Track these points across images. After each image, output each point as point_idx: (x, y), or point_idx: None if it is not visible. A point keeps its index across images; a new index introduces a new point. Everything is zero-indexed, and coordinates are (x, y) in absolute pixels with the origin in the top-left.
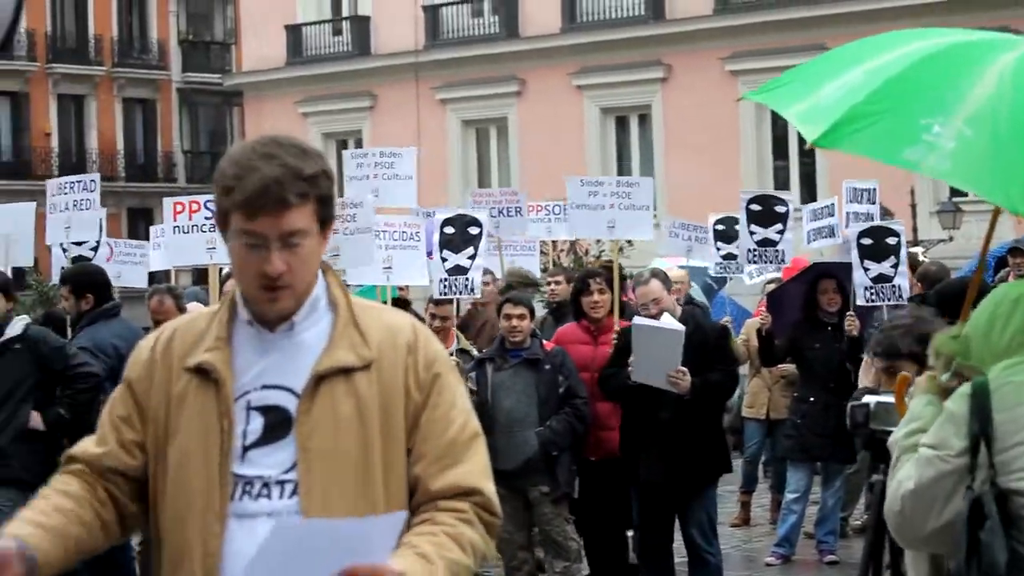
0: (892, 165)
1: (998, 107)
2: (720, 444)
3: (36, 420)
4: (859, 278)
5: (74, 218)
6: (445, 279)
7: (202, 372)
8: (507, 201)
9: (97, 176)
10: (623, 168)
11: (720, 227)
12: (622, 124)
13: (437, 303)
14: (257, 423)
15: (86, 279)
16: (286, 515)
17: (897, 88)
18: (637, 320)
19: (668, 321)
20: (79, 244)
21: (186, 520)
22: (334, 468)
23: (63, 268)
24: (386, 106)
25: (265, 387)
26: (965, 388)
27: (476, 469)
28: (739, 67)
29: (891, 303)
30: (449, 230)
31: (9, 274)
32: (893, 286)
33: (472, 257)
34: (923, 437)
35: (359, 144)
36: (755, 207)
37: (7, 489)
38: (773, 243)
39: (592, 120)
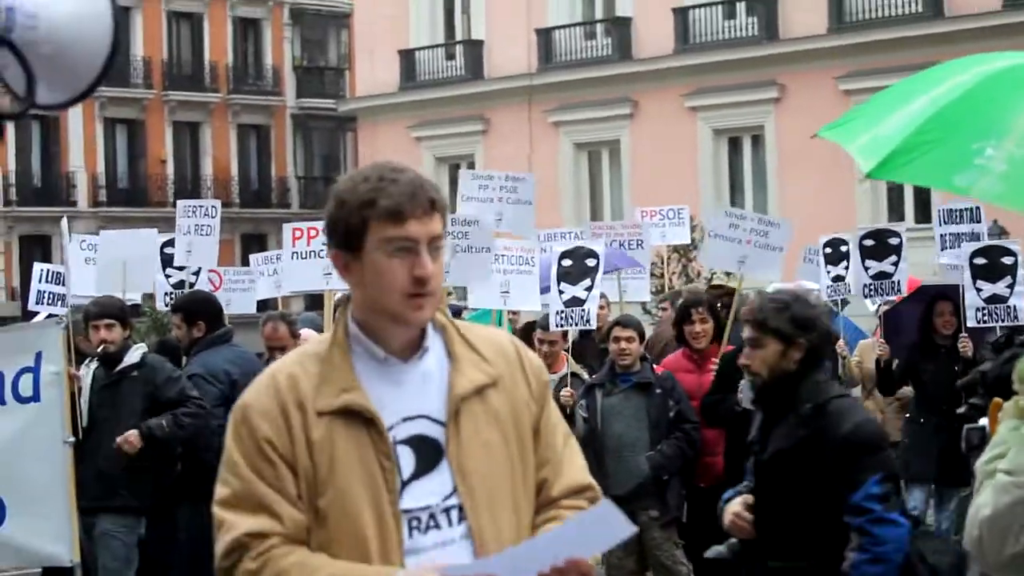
0: (946, 191)
1: None
2: None
3: (132, 435)
4: (971, 299)
5: (195, 243)
6: (562, 311)
7: (349, 414)
8: (629, 234)
9: (218, 203)
10: (736, 189)
11: (828, 250)
12: (735, 145)
13: (545, 329)
14: (408, 457)
15: (198, 307)
16: (459, 541)
17: (950, 115)
18: None
19: None
20: (180, 269)
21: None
22: (492, 487)
23: (166, 294)
24: (499, 130)
25: (406, 419)
26: None
27: (581, 466)
28: (853, 86)
29: (1005, 324)
30: (567, 262)
31: (129, 300)
32: (1008, 307)
33: (589, 288)
34: (1001, 463)
35: (471, 168)
36: (868, 242)
37: (120, 516)
38: (888, 275)
39: (705, 141)
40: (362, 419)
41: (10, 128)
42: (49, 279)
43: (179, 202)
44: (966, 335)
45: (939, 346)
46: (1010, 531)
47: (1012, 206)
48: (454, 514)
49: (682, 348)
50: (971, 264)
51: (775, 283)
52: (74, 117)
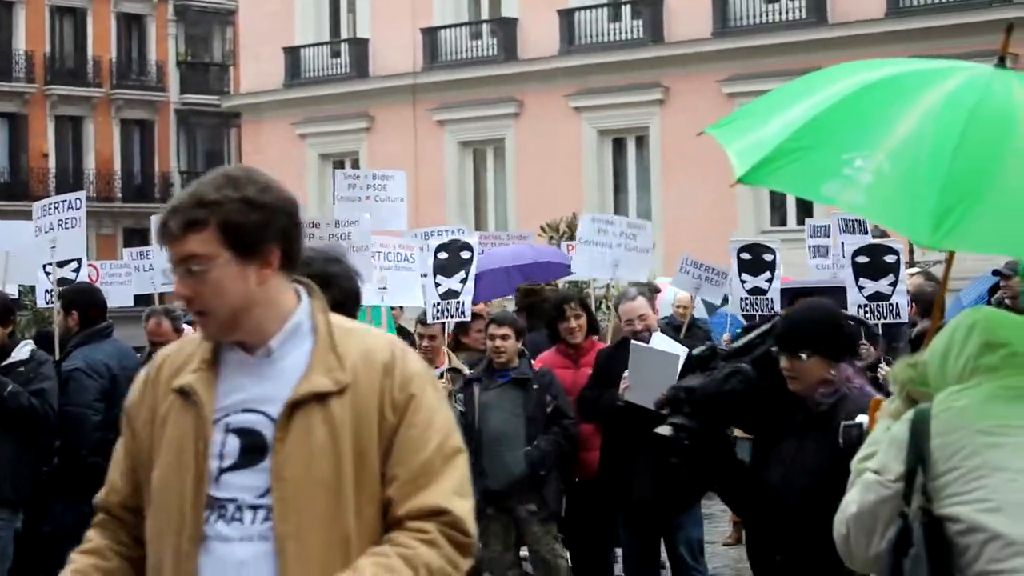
0: (812, 199)
1: (920, 142)
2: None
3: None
4: (853, 296)
5: (60, 237)
6: (438, 303)
7: (184, 394)
8: (514, 243)
9: (83, 195)
10: (620, 190)
11: (746, 256)
12: (619, 146)
13: (424, 324)
14: (234, 445)
15: (74, 297)
16: (257, 541)
17: (825, 123)
18: (635, 343)
19: (666, 344)
20: (62, 265)
21: (163, 538)
22: (308, 495)
23: (47, 291)
24: (383, 127)
25: (245, 410)
26: (909, 413)
27: (447, 488)
28: (737, 89)
29: (887, 321)
30: (443, 255)
31: (12, 291)
32: (890, 304)
33: (464, 281)
34: (870, 462)
35: (355, 165)
36: (745, 256)
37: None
38: (763, 291)
39: (589, 142)
40: (192, 401)
41: None
42: None
43: (35, 204)
44: (867, 342)
45: None
46: (875, 529)
47: (874, 218)
48: (260, 513)
49: (557, 344)
50: (854, 263)
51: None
52: None
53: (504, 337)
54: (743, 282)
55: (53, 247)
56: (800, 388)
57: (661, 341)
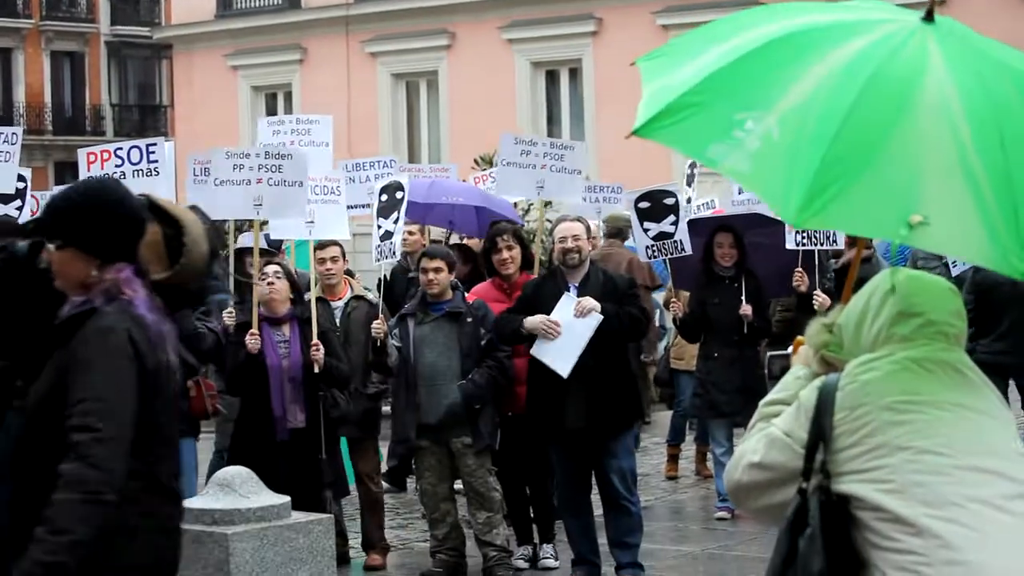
0: (699, 161)
1: (810, 107)
2: (635, 390)
3: None
4: (639, 238)
5: None
6: (379, 245)
7: None
8: (436, 176)
9: (19, 130)
10: (553, 122)
11: (645, 204)
12: (553, 78)
13: (320, 247)
14: None
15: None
16: None
17: (726, 77)
18: (566, 297)
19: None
20: (6, 202)
21: None
22: None
23: None
24: (316, 60)
25: None
26: (817, 382)
27: None
28: (671, 21)
29: (823, 247)
30: (384, 197)
31: None
32: (675, 241)
33: (396, 221)
34: (778, 420)
35: (288, 97)
36: (644, 204)
37: None
38: (670, 235)
39: (522, 74)
40: None
41: None
42: None
43: None
44: (801, 270)
45: (721, 278)
46: (771, 485)
47: (751, 189)
48: None
49: (491, 278)
50: (636, 208)
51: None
52: None
53: (437, 270)
54: (646, 230)
55: None
56: (61, 286)
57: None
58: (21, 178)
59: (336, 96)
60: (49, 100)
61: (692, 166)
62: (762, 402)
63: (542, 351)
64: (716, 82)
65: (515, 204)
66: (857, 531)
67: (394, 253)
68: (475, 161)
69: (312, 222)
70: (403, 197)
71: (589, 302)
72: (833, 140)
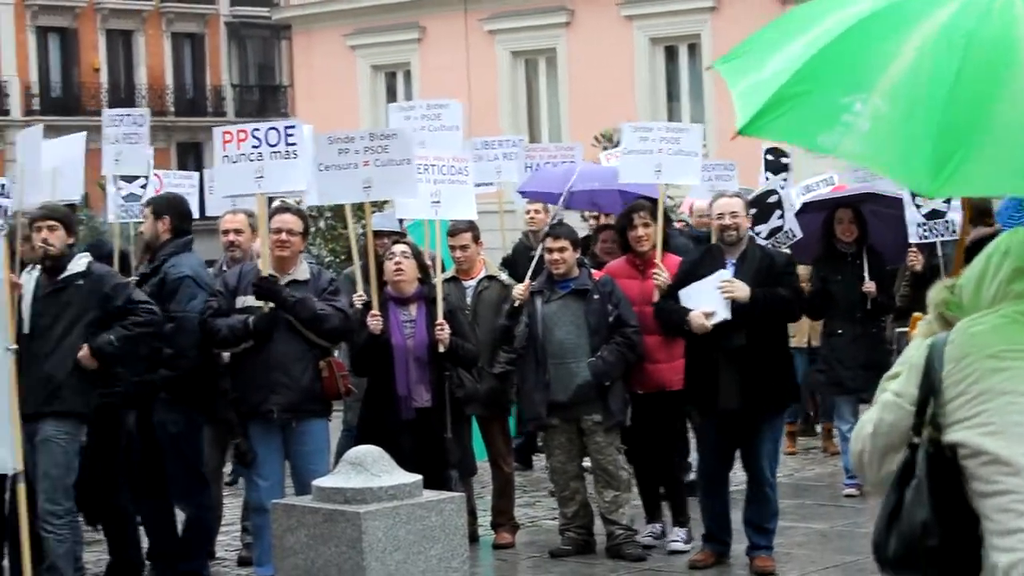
0: (812, 150)
1: (916, 79)
2: (790, 371)
3: (84, 353)
4: (911, 215)
5: (124, 151)
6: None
7: None
8: (562, 156)
9: (147, 112)
10: (673, 98)
11: (753, 210)
12: (671, 54)
13: (452, 235)
14: None
15: (167, 204)
16: None
17: (823, 63)
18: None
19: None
20: (130, 181)
21: None
22: None
23: (119, 206)
24: (435, 38)
25: None
26: (928, 339)
27: None
28: None
29: (944, 238)
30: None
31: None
32: (946, 222)
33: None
34: (892, 383)
35: (407, 77)
36: (752, 211)
37: (63, 421)
38: (780, 228)
39: (641, 51)
40: None
41: None
42: None
43: (105, 112)
44: (915, 249)
45: (843, 255)
46: (888, 450)
47: (873, 168)
48: None
49: (626, 254)
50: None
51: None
52: (6, 25)
53: (561, 249)
54: (757, 233)
55: (117, 160)
56: None
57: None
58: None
59: (455, 75)
60: (170, 82)
61: (771, 152)
62: (884, 376)
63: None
64: (813, 70)
65: None
66: (966, 483)
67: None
68: (595, 138)
69: (439, 202)
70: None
71: (738, 290)
72: (946, 106)
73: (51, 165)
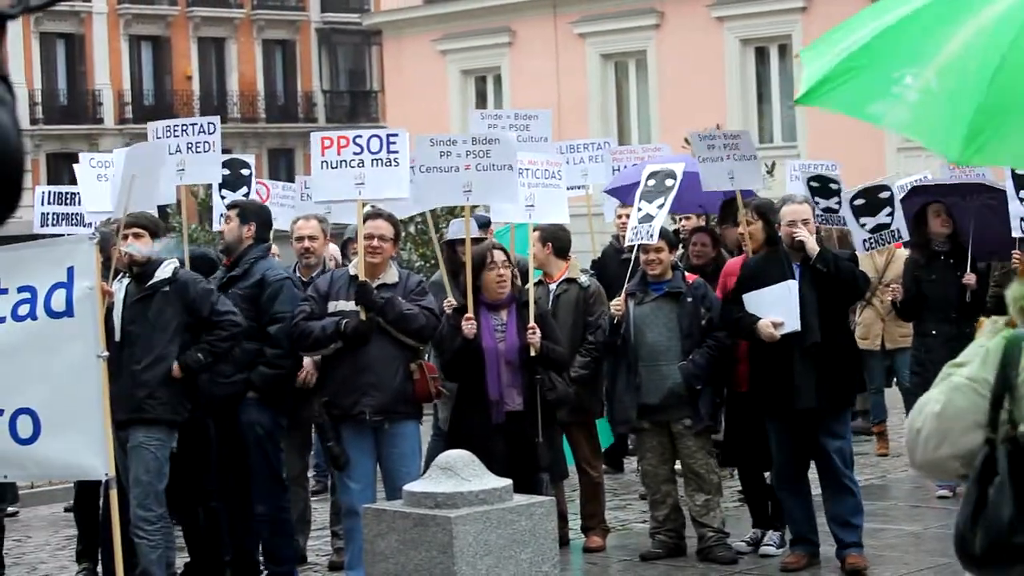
0: (860, 119)
1: (968, 57)
2: (858, 365)
3: (175, 369)
4: (1015, 208)
5: (188, 160)
6: (636, 227)
7: None
8: (649, 157)
9: (217, 119)
10: (763, 99)
11: (860, 201)
12: (762, 56)
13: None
14: None
15: (255, 209)
16: None
17: (882, 43)
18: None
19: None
20: (234, 190)
21: None
22: None
23: (221, 215)
24: (524, 42)
25: None
26: (1006, 331)
27: None
28: None
29: (890, 243)
30: (652, 182)
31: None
32: (892, 231)
33: (661, 207)
34: (962, 370)
35: (497, 81)
36: (859, 202)
37: (153, 428)
38: (887, 226)
39: (731, 52)
40: None
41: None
42: (52, 200)
43: (150, 124)
44: (1020, 252)
45: (937, 254)
46: (952, 432)
47: (913, 135)
48: None
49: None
50: (852, 206)
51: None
52: (99, 35)
53: (658, 250)
54: (862, 225)
55: (182, 170)
56: None
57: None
58: (246, 164)
59: (545, 79)
60: (262, 88)
61: (816, 179)
62: (948, 363)
63: (763, 312)
64: (874, 47)
65: None
66: None
67: (651, 236)
68: (685, 140)
69: (532, 206)
70: (673, 185)
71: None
72: (990, 83)
73: (131, 173)
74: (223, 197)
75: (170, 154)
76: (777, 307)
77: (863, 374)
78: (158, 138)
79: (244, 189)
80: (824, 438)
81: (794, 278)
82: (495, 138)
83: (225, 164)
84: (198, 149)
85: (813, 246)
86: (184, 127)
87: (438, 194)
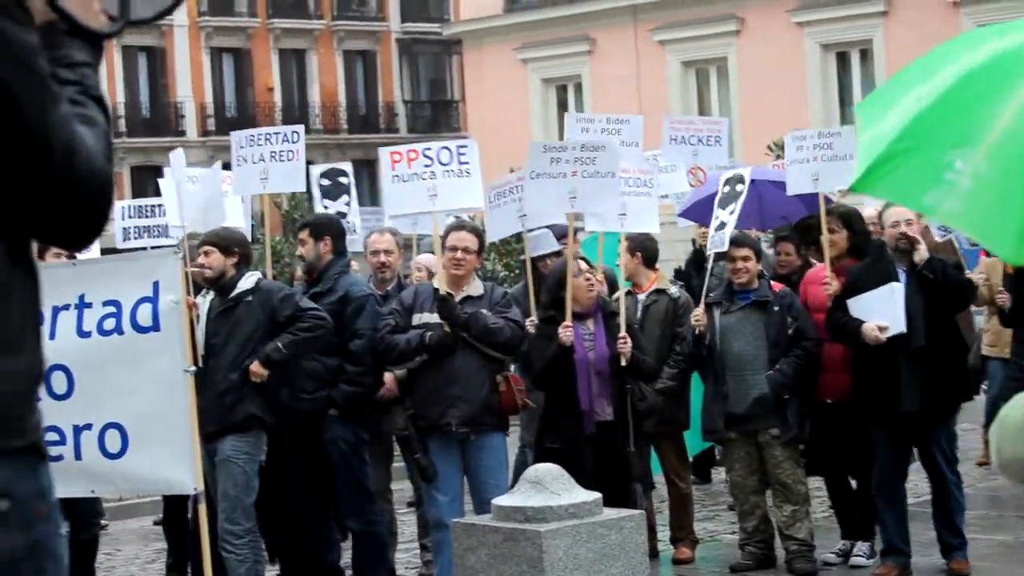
0: (917, 211)
1: (1015, 138)
2: (965, 369)
3: (255, 367)
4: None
5: (271, 169)
6: (712, 235)
7: None
8: (708, 130)
9: (300, 128)
10: (846, 104)
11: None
12: (843, 60)
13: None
14: None
15: (326, 224)
16: None
17: (929, 119)
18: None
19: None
20: (334, 199)
21: None
22: None
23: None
24: (605, 50)
25: None
26: None
27: None
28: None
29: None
30: (726, 188)
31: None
32: None
33: (732, 212)
34: None
35: (578, 89)
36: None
37: (241, 439)
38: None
39: (812, 57)
40: None
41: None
42: (133, 213)
43: (233, 134)
44: None
45: None
46: None
47: (967, 230)
48: None
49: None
50: None
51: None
52: (180, 47)
53: (745, 258)
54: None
55: (265, 179)
56: None
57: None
58: (343, 173)
59: (625, 86)
60: (343, 99)
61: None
62: None
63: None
64: (920, 125)
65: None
66: None
67: (723, 244)
68: (768, 147)
69: (624, 214)
70: (743, 191)
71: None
72: None
73: (203, 196)
74: (325, 207)
75: (253, 163)
76: (882, 310)
77: (972, 381)
78: (242, 147)
79: (344, 198)
80: (927, 442)
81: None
82: (601, 145)
83: (324, 174)
84: (282, 158)
85: (924, 251)
86: (268, 136)
87: (545, 200)
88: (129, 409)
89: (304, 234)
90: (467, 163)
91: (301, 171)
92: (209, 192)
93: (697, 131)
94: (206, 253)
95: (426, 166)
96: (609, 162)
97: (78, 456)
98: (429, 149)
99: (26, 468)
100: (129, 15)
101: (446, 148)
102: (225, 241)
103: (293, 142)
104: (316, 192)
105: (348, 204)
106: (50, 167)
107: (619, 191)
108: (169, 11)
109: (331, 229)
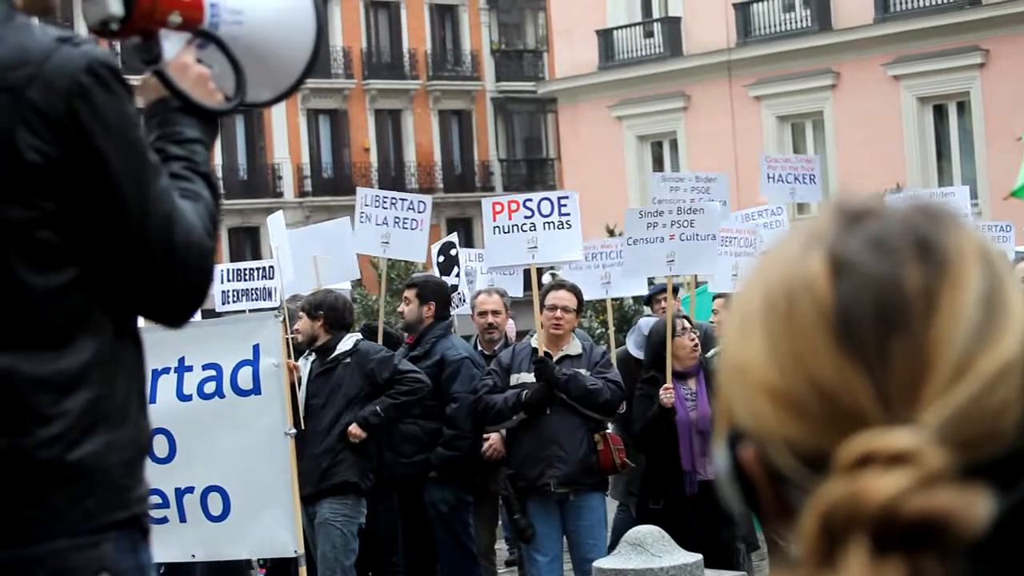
0: None
1: None
2: None
3: (354, 429)
4: None
5: (394, 235)
6: None
7: None
8: (803, 168)
9: (428, 200)
10: (943, 158)
11: None
12: (940, 113)
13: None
14: None
15: (434, 288)
16: None
17: None
18: None
19: None
20: (447, 275)
21: None
22: None
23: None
24: (699, 106)
25: None
26: None
27: None
28: None
29: None
30: None
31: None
32: None
33: None
34: None
35: (674, 145)
36: None
37: (339, 501)
38: None
39: (909, 110)
40: None
41: None
42: (232, 277)
43: (360, 191)
44: None
45: None
46: None
47: None
48: None
49: None
50: None
51: None
52: (277, 109)
53: None
54: None
55: (386, 243)
56: None
57: None
58: (453, 245)
59: (721, 142)
60: (439, 158)
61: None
62: None
63: None
64: None
65: None
66: None
67: None
68: None
69: (736, 275)
70: None
71: None
72: None
73: (312, 252)
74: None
75: (376, 224)
76: None
77: None
78: (366, 205)
79: (455, 269)
80: None
81: None
82: (699, 208)
83: (440, 251)
84: (406, 225)
85: None
86: (394, 200)
87: (644, 264)
88: (231, 472)
89: (411, 293)
90: (568, 215)
91: (424, 242)
92: (332, 247)
93: (793, 169)
94: (299, 318)
95: (527, 217)
96: (708, 224)
97: (182, 519)
98: (530, 200)
99: (127, 543)
100: (244, 96)
101: (547, 199)
102: (310, 307)
103: (419, 211)
104: (435, 271)
105: (458, 276)
106: (147, 239)
107: (716, 252)
108: (285, 97)
109: (438, 295)
